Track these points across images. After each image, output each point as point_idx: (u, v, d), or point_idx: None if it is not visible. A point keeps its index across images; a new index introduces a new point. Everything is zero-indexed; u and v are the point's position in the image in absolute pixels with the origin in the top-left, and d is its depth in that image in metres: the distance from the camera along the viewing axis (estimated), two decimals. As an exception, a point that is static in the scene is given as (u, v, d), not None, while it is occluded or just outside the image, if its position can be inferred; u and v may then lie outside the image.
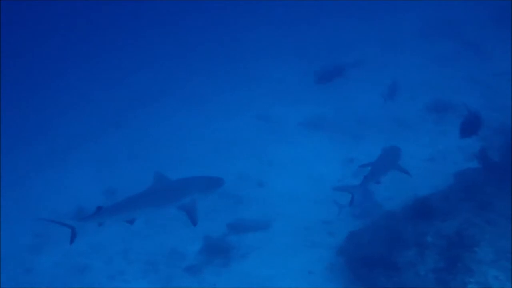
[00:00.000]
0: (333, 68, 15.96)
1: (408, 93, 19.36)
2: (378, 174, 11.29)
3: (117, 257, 14.74)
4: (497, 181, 11.10)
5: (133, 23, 37.54)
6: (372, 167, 11.53)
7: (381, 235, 10.79)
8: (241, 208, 15.18)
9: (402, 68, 22.03)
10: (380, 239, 10.71)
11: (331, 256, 12.20)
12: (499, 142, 13.14)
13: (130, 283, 13.62)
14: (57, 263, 14.75)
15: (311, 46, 27.95)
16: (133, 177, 18.23)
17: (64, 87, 28.81)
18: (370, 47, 25.82)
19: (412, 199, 11.43)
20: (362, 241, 11.00)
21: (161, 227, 15.31)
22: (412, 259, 10.15)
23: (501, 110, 16.45)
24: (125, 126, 23.01)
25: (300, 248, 13.10)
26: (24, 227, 16.06)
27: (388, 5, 29.78)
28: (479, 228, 10.15)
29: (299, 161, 16.88)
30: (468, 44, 22.83)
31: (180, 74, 28.12)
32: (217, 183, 11.02)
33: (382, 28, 28.34)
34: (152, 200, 10.68)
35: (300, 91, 21.75)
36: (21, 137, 22.94)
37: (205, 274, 13.24)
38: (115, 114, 24.39)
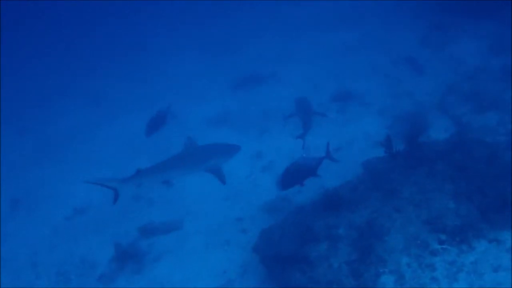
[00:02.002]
0: (157, 116, 15.88)
1: (311, 83, 19.23)
2: (309, 123, 13.12)
3: (25, 270, 13.94)
4: (402, 168, 10.99)
5: (28, 24, 36.39)
6: (301, 119, 13.39)
7: (292, 230, 10.41)
8: (151, 211, 14.59)
9: (305, 59, 21.94)
10: (291, 235, 10.31)
11: (245, 254, 11.76)
12: (402, 129, 13.10)
13: (40, 297, 12.90)
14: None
15: (214, 41, 27.69)
16: (39, 185, 17.54)
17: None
18: (271, 39, 25.72)
19: (321, 192, 11.16)
20: (273, 237, 10.61)
21: (69, 236, 14.61)
22: (324, 252, 9.79)
23: (402, 97, 16.51)
24: (29, 132, 22.14)
25: (214, 247, 12.57)
26: None
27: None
28: (388, 216, 9.98)
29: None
30: (368, 33, 22.92)
31: (79, 73, 27.43)
32: (236, 148, 11.90)
33: (283, 20, 28.34)
34: (183, 163, 11.31)
35: (204, 87, 21.38)
36: None
37: (118, 282, 12.65)
38: (18, 120, 23.46)
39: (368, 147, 14.14)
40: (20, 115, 23.89)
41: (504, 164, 10.21)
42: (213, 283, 11.61)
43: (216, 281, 11.65)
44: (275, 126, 16.75)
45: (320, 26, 25.49)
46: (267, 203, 13.20)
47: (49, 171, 18.26)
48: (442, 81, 16.42)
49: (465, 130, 13.31)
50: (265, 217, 12.71)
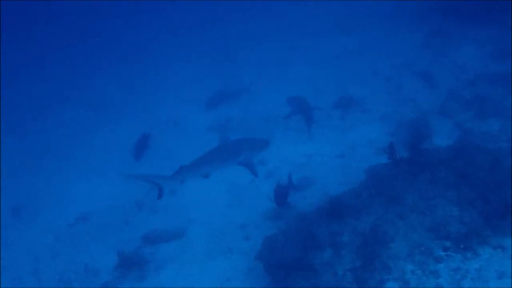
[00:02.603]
0: (140, 139, 16.16)
1: (312, 87, 19.22)
2: (311, 116, 14.48)
3: (27, 277, 13.89)
4: (406, 175, 10.99)
5: (28, 28, 36.23)
6: (304, 115, 14.60)
7: (295, 237, 10.39)
8: (154, 218, 14.57)
9: (305, 65, 21.93)
10: (294, 242, 10.30)
11: (249, 261, 11.72)
12: (405, 134, 13.11)
13: (42, 304, 12.87)
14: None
15: (215, 46, 27.64)
16: (41, 191, 17.47)
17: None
18: (271, 43, 25.69)
19: (324, 199, 11.15)
20: (277, 244, 10.61)
21: (71, 243, 14.58)
22: (328, 259, 9.78)
23: (404, 103, 16.52)
24: (30, 137, 22.08)
25: (217, 254, 12.54)
26: None
27: (289, 3, 29.93)
28: (391, 223, 9.96)
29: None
30: (369, 37, 22.91)
31: (79, 78, 27.34)
32: (266, 143, 12.63)
33: (282, 23, 28.32)
34: (220, 157, 11.83)
35: (204, 92, 21.34)
36: None
37: (122, 290, 12.61)
38: (18, 125, 23.41)
39: (371, 153, 14.15)
40: (20, 121, 23.81)
41: (506, 171, 10.16)
42: (216, 291, 11.62)
43: (219, 289, 11.66)
44: (277, 132, 16.73)
45: (320, 30, 25.49)
46: (270, 210, 13.10)
47: (50, 177, 18.19)
48: (444, 87, 16.41)
49: (467, 137, 13.33)
50: (268, 224, 12.67)
